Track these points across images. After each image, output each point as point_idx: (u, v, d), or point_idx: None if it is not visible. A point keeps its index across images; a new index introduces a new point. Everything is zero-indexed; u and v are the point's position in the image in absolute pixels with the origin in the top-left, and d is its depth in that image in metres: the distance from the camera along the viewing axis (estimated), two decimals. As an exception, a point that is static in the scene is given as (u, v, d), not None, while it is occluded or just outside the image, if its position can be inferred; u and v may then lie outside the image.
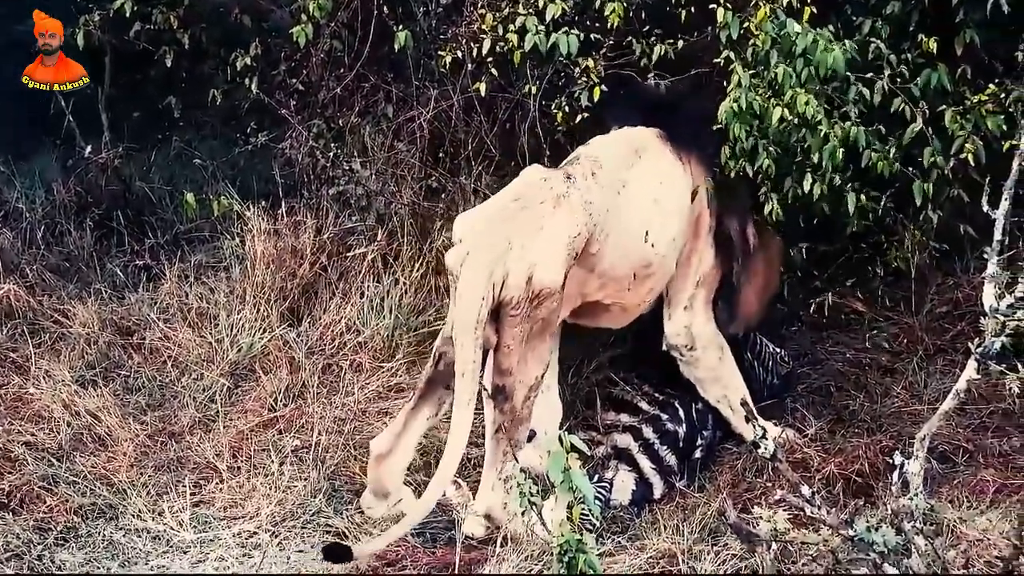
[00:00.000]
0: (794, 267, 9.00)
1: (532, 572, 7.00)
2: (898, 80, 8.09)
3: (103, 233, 10.18)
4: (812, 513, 6.44)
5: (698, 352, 8.24)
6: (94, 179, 10.33)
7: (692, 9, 8.35)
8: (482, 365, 7.28)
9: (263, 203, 9.62)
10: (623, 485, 7.99)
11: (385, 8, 9.22)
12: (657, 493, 8.04)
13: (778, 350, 8.83)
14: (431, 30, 9.22)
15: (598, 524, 7.55)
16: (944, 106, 8.11)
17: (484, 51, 8.55)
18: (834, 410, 8.58)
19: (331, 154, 9.43)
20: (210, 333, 9.03)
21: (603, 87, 8.43)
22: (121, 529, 7.57)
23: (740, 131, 7.87)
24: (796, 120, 7.84)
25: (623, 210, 7.64)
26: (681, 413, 8.27)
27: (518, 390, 7.35)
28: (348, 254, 9.25)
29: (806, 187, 8.04)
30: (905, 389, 8.63)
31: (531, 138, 8.89)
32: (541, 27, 8.34)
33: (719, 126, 7.92)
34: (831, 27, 7.98)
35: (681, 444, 8.20)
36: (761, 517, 6.55)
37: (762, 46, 7.83)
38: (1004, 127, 8.00)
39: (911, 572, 6.19)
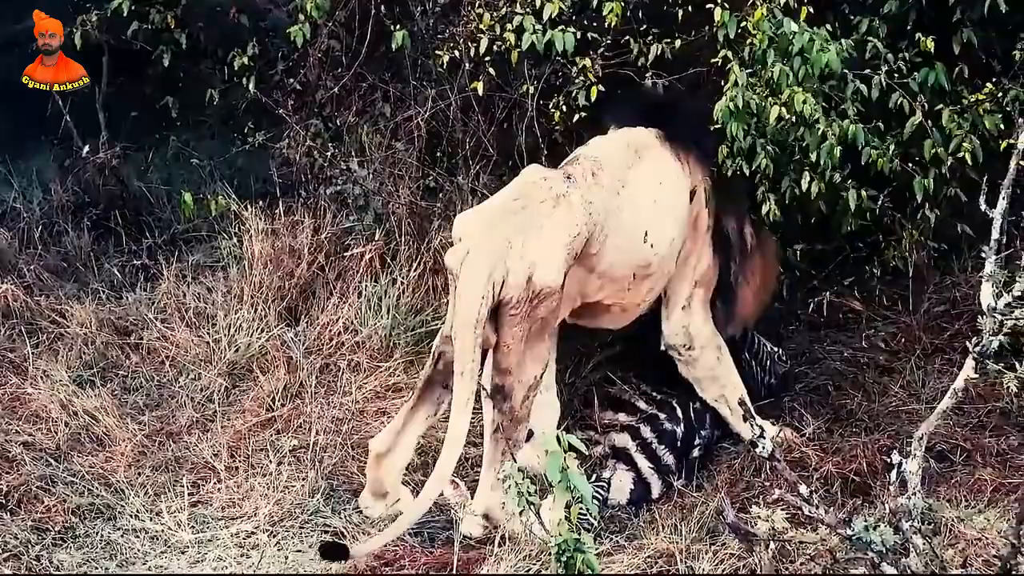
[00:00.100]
0: (792, 267, 9.01)
1: (530, 572, 7.00)
2: (895, 78, 8.10)
3: (101, 233, 10.18)
4: (810, 512, 6.44)
5: (696, 352, 8.24)
6: (92, 179, 10.33)
7: (689, 8, 8.37)
8: (481, 365, 7.29)
9: (261, 203, 9.61)
10: (621, 484, 7.99)
11: (383, 8, 9.22)
12: (655, 492, 8.04)
13: (776, 349, 8.83)
14: (429, 29, 9.21)
15: (596, 523, 7.54)
16: (942, 105, 8.13)
17: (482, 50, 8.55)
18: (832, 409, 8.59)
19: (329, 154, 9.43)
20: (208, 333, 9.03)
21: (601, 87, 8.43)
22: (119, 529, 7.56)
23: (737, 130, 7.88)
24: (794, 119, 7.85)
25: (623, 210, 7.65)
26: (679, 412, 8.28)
27: (517, 390, 7.35)
28: (346, 254, 9.25)
29: (804, 186, 8.06)
30: (903, 388, 8.64)
31: (529, 137, 8.90)
32: (539, 26, 8.34)
33: (716, 126, 7.93)
34: (828, 26, 7.98)
35: (679, 443, 8.20)
36: (759, 516, 6.57)
37: (759, 45, 7.83)
38: (1002, 126, 8.03)
39: (909, 571, 6.19)
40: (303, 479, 7.88)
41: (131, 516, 7.63)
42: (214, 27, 10.12)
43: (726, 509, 6.79)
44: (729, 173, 8.10)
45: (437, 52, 8.88)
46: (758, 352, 8.76)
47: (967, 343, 6.77)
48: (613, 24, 8.35)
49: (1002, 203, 7.14)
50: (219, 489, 7.85)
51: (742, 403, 7.51)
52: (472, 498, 7.54)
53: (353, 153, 9.41)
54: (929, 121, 8.10)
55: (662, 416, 8.24)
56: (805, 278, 9.23)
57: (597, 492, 7.82)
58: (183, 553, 7.39)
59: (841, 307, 9.19)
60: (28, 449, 8.06)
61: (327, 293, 9.16)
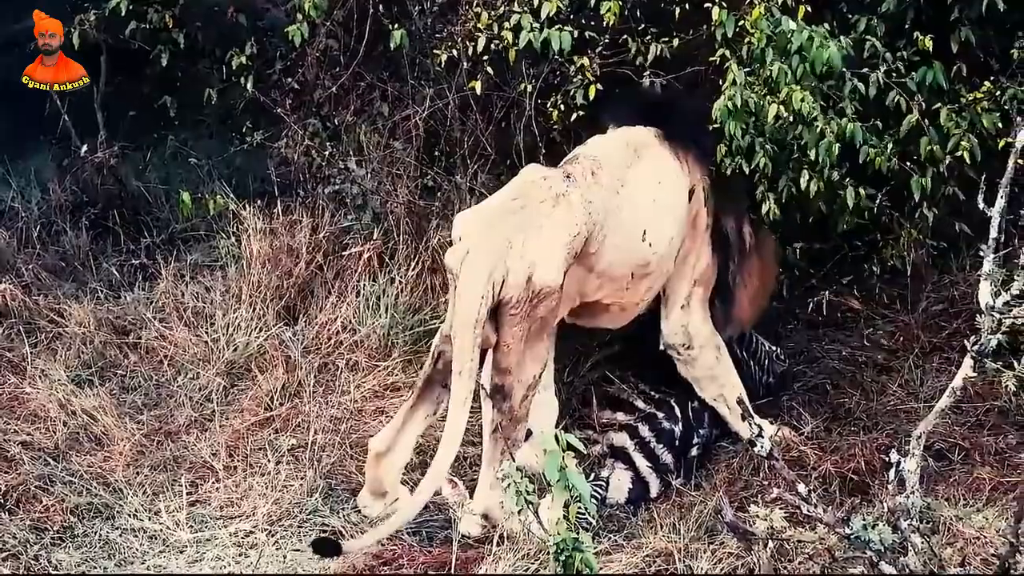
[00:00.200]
0: (791, 265, 9.02)
1: (528, 571, 7.00)
2: (893, 77, 8.10)
3: (99, 232, 10.18)
4: (808, 511, 6.45)
5: (695, 351, 8.24)
6: (90, 178, 10.33)
7: (687, 7, 8.36)
8: (480, 364, 7.29)
9: (259, 202, 9.61)
10: (619, 483, 7.99)
11: (380, 7, 9.23)
12: (653, 491, 8.04)
13: (774, 348, 8.84)
14: (427, 29, 9.21)
15: (594, 523, 7.54)
16: (939, 104, 8.13)
17: (479, 49, 8.55)
18: (830, 408, 8.59)
19: (327, 153, 9.43)
20: (206, 332, 9.03)
21: (599, 85, 8.43)
22: (117, 529, 7.57)
23: (736, 129, 7.88)
24: (792, 117, 7.85)
25: (622, 210, 7.64)
26: (677, 411, 8.28)
27: (516, 389, 7.36)
28: (344, 253, 9.25)
29: (803, 184, 8.06)
30: (901, 387, 8.64)
31: (527, 136, 8.90)
32: (536, 25, 8.34)
33: (715, 125, 7.93)
34: (826, 25, 7.98)
35: (677, 442, 8.21)
36: (758, 515, 6.58)
37: (757, 44, 7.83)
38: (999, 125, 8.04)
39: (907, 570, 6.20)
40: (301, 478, 7.88)
41: (129, 515, 7.63)
42: (212, 26, 10.13)
43: (724, 508, 6.79)
44: (728, 172, 8.10)
45: (435, 51, 8.88)
46: (756, 351, 8.76)
47: (965, 342, 6.79)
48: (611, 23, 8.35)
49: (1000, 202, 7.15)
50: (217, 488, 7.85)
51: (740, 402, 7.51)
52: (471, 497, 7.55)
53: (351, 152, 9.41)
54: (926, 120, 8.10)
55: (660, 415, 8.25)
56: (803, 277, 9.24)
57: (595, 491, 7.82)
58: (181, 552, 7.39)
59: (839, 306, 9.19)
60: (26, 448, 8.06)
61: (325, 292, 9.16)
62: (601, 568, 6.85)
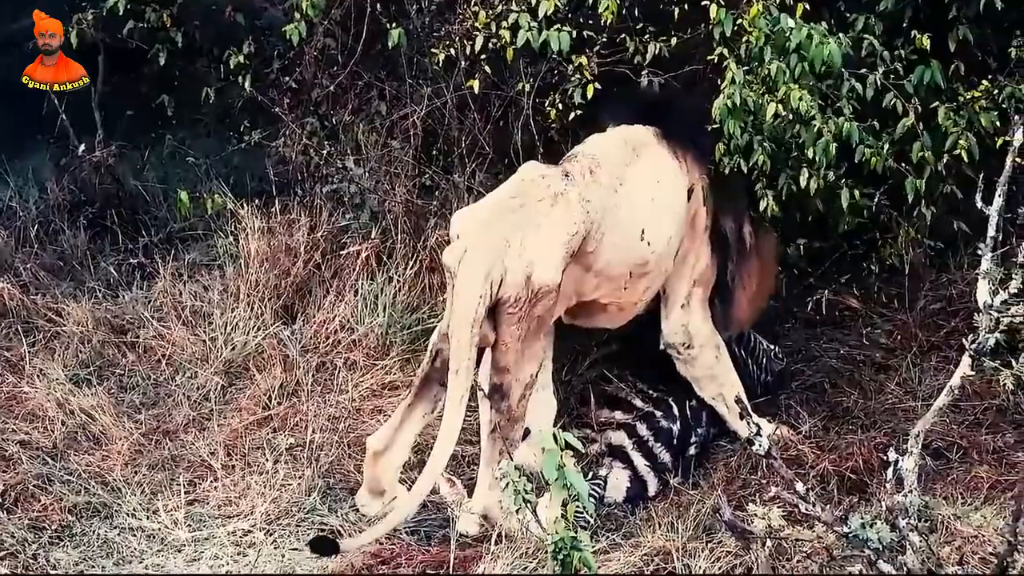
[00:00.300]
0: (789, 264, 9.02)
1: (527, 570, 7.00)
2: (891, 76, 8.10)
3: (97, 232, 10.18)
4: (806, 510, 6.45)
5: (695, 351, 8.24)
6: (88, 178, 10.33)
7: (685, 6, 8.36)
8: (477, 363, 7.29)
9: (257, 201, 9.61)
10: (617, 483, 7.99)
11: (378, 6, 9.23)
12: (651, 490, 8.04)
13: (772, 347, 8.84)
14: (424, 28, 9.22)
15: (593, 522, 7.56)
16: (937, 103, 8.13)
17: (477, 48, 8.55)
18: (828, 407, 8.59)
19: (325, 152, 9.43)
20: (204, 331, 9.02)
21: (597, 84, 8.43)
22: (116, 528, 7.57)
23: (734, 128, 7.88)
24: (790, 116, 7.84)
25: (620, 208, 7.64)
26: (675, 410, 8.28)
27: (514, 388, 7.36)
28: (342, 252, 9.24)
29: (802, 182, 8.06)
30: (899, 386, 8.64)
31: (525, 135, 8.90)
32: (534, 24, 8.33)
33: (715, 125, 7.93)
34: (824, 23, 7.97)
35: (675, 441, 8.20)
36: (756, 514, 6.58)
37: (756, 42, 7.83)
38: (997, 123, 8.03)
39: (906, 569, 6.20)
40: (299, 477, 7.88)
41: (128, 515, 7.63)
42: (210, 26, 10.12)
43: (723, 507, 6.79)
44: (726, 171, 8.10)
45: (433, 50, 8.87)
46: (754, 349, 8.76)
47: (963, 340, 6.79)
48: (609, 22, 8.35)
49: (998, 200, 7.16)
50: (215, 487, 7.85)
51: (739, 401, 7.52)
52: (469, 496, 7.55)
53: (349, 151, 9.41)
54: (920, 124, 8.10)
55: (658, 414, 8.24)
56: (802, 276, 9.24)
57: (594, 490, 7.82)
58: (180, 552, 7.39)
59: (838, 305, 9.19)
60: (24, 448, 8.06)
61: (323, 291, 9.16)
62: (599, 567, 6.85)
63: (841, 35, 7.98)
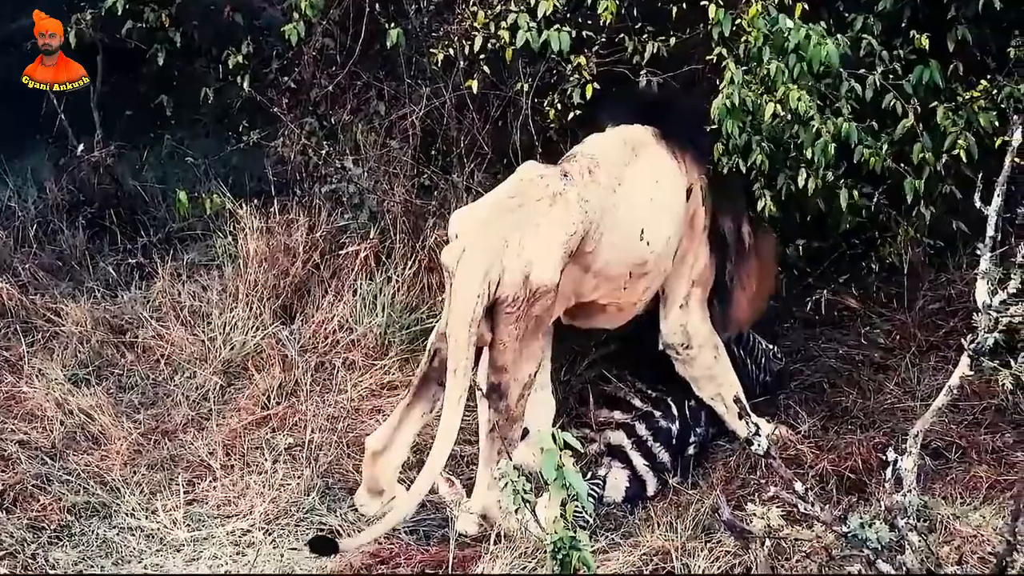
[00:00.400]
0: (788, 264, 9.02)
1: (526, 570, 7.00)
2: (890, 76, 8.11)
3: (95, 232, 10.18)
4: (805, 510, 6.45)
5: (694, 351, 8.24)
6: (86, 178, 10.33)
7: (684, 6, 8.37)
8: (475, 363, 7.29)
9: (255, 201, 9.61)
10: (616, 482, 7.99)
11: (377, 6, 9.23)
12: (650, 490, 8.04)
13: (771, 347, 8.84)
14: (423, 28, 9.22)
15: (592, 521, 7.56)
16: (936, 102, 8.14)
17: (476, 48, 8.55)
18: (827, 407, 8.59)
19: (323, 152, 9.43)
20: (203, 331, 9.02)
21: (595, 84, 8.43)
22: (114, 528, 7.56)
23: (733, 127, 7.88)
24: (789, 116, 7.84)
25: (619, 208, 7.64)
26: (674, 410, 8.28)
27: (512, 388, 7.36)
28: (341, 252, 9.25)
29: (800, 182, 8.06)
30: (898, 385, 8.64)
31: (523, 135, 8.90)
32: (533, 24, 8.34)
33: (713, 125, 7.93)
34: (823, 23, 7.98)
35: (674, 441, 8.20)
36: (755, 514, 6.57)
37: (754, 42, 7.83)
38: (996, 123, 8.04)
39: (905, 568, 6.20)
40: (298, 477, 7.88)
41: (127, 514, 7.63)
42: (208, 26, 10.11)
43: (722, 507, 6.78)
44: (725, 170, 8.10)
45: (432, 50, 8.88)
46: (753, 349, 8.77)
47: (962, 340, 6.78)
48: (608, 22, 8.35)
49: (997, 200, 7.16)
50: (214, 487, 7.85)
51: (738, 401, 7.52)
52: (468, 496, 7.55)
53: (348, 151, 9.41)
54: (920, 124, 8.11)
55: (657, 414, 8.24)
56: (801, 276, 9.25)
57: (593, 490, 7.82)
58: (178, 551, 7.39)
59: (837, 304, 9.20)
60: (23, 448, 8.05)
61: (322, 291, 9.16)
62: (598, 567, 6.85)
63: (839, 36, 7.98)
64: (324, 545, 7.04)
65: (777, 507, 6.67)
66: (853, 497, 7.58)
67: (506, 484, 6.01)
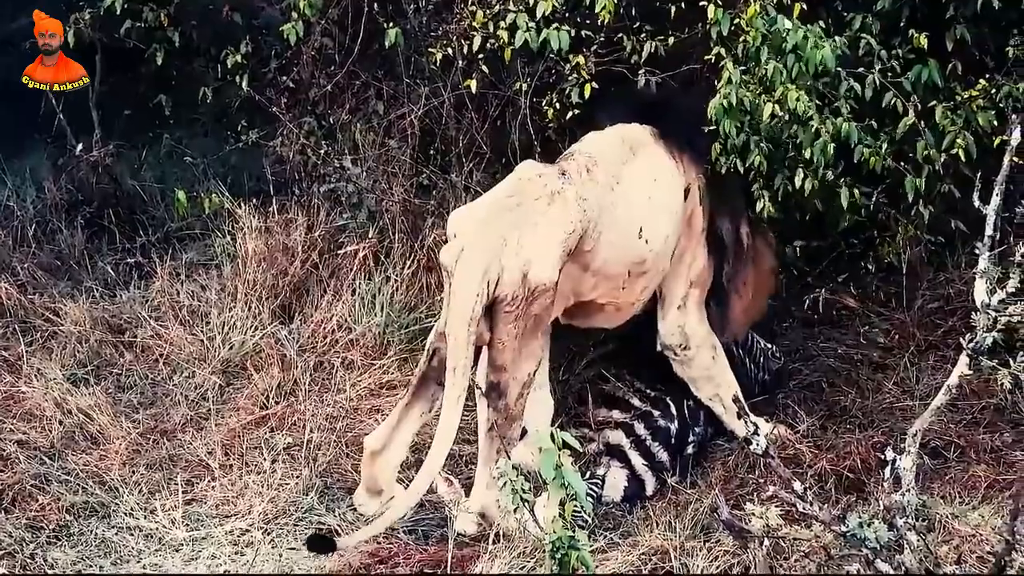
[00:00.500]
0: (787, 264, 9.02)
1: (524, 570, 6.99)
2: (889, 75, 8.11)
3: (94, 231, 10.18)
4: (804, 509, 6.45)
5: (692, 352, 8.24)
6: (85, 177, 10.32)
7: (683, 5, 8.37)
8: (474, 362, 7.29)
9: (254, 201, 9.61)
10: (615, 482, 7.99)
11: (375, 5, 9.23)
12: (649, 489, 8.04)
13: (769, 346, 8.85)
14: (422, 27, 9.22)
15: (590, 521, 7.56)
16: (935, 102, 8.14)
17: (475, 48, 8.55)
18: (826, 406, 8.59)
19: (322, 151, 9.43)
20: (202, 331, 9.02)
21: (594, 84, 8.43)
22: (113, 527, 7.56)
23: (730, 127, 7.88)
24: (787, 116, 7.84)
25: (617, 207, 7.64)
26: (673, 409, 8.28)
27: (512, 386, 7.36)
28: (339, 251, 9.24)
29: (798, 182, 8.06)
30: (897, 385, 8.65)
31: (522, 135, 8.90)
32: (532, 24, 8.34)
33: (712, 126, 7.93)
34: (821, 23, 7.98)
35: (673, 440, 8.20)
36: (753, 513, 6.57)
37: (753, 42, 7.83)
38: (995, 123, 8.04)
39: (903, 568, 6.20)
40: (297, 477, 7.87)
41: (125, 514, 7.63)
42: (207, 25, 10.11)
43: (720, 506, 6.79)
44: (723, 170, 8.10)
45: (430, 50, 8.88)
46: (751, 349, 8.77)
47: (961, 339, 6.80)
48: (606, 21, 8.35)
49: (995, 199, 7.16)
50: (213, 487, 7.85)
51: (736, 400, 7.52)
52: (467, 495, 7.55)
53: (346, 151, 9.40)
54: (922, 122, 8.10)
55: (656, 413, 8.24)
56: (800, 275, 9.25)
57: (591, 489, 7.82)
58: (177, 551, 7.39)
59: (835, 304, 9.19)
60: (22, 447, 8.05)
61: (321, 291, 9.16)
62: (597, 566, 6.85)
63: (837, 37, 7.98)
64: (322, 543, 7.04)
65: (776, 506, 6.67)
66: (852, 496, 7.58)
67: (505, 483, 6.02)
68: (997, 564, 6.10)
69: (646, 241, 7.72)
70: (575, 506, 5.94)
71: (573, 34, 8.40)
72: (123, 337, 9.13)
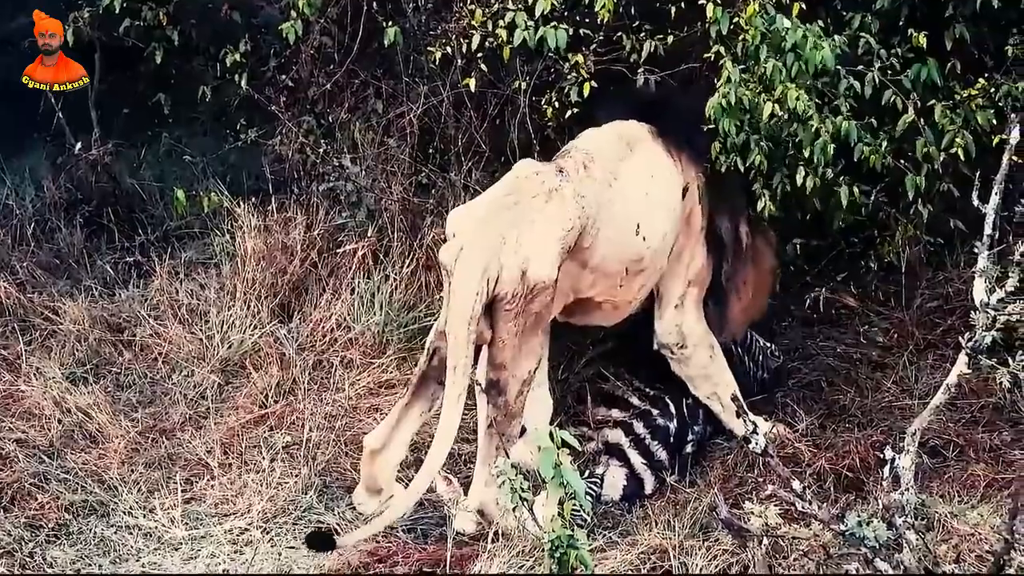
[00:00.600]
0: (786, 262, 9.02)
1: (523, 568, 6.99)
2: (888, 73, 8.11)
3: (93, 230, 10.17)
4: (803, 508, 6.45)
5: (689, 350, 8.24)
6: (84, 176, 10.32)
7: (682, 4, 8.36)
8: (474, 361, 7.29)
9: (253, 199, 9.61)
10: (614, 480, 7.99)
11: (374, 4, 9.23)
12: (648, 488, 8.04)
13: (768, 344, 8.85)
14: (421, 26, 9.22)
15: (589, 520, 7.57)
16: (934, 101, 8.14)
17: (474, 47, 8.55)
18: (825, 405, 8.60)
19: (321, 150, 9.43)
20: (201, 330, 9.02)
21: (593, 83, 8.43)
22: (112, 526, 7.56)
23: (730, 126, 7.88)
24: (787, 115, 7.84)
25: (614, 203, 7.63)
26: (672, 408, 8.28)
27: (511, 384, 7.36)
28: (338, 250, 9.24)
29: (799, 180, 8.06)
30: (896, 384, 8.65)
31: (521, 133, 8.89)
32: (531, 22, 8.34)
33: (710, 125, 7.93)
34: (820, 22, 7.97)
35: (672, 439, 8.20)
36: (752, 512, 6.57)
37: (752, 41, 7.83)
38: (994, 122, 8.04)
39: (902, 567, 6.20)
40: (296, 476, 7.87)
41: (124, 513, 7.63)
42: (206, 24, 10.10)
43: (719, 505, 6.79)
44: (722, 169, 8.10)
45: (429, 48, 8.87)
46: (750, 347, 8.77)
47: (960, 338, 6.79)
48: (605, 20, 8.34)
49: (994, 199, 7.16)
50: (212, 486, 7.85)
51: (735, 399, 7.52)
52: (465, 494, 7.55)
53: (345, 150, 9.40)
54: (922, 120, 8.10)
55: (655, 412, 8.24)
56: (799, 274, 9.24)
57: (590, 488, 7.82)
58: (176, 550, 7.39)
59: (834, 303, 9.19)
60: (21, 446, 8.05)
61: (320, 290, 9.16)
62: (596, 565, 6.85)
63: (836, 36, 7.98)
64: (322, 541, 7.03)
65: (775, 505, 6.67)
66: (851, 495, 7.59)
67: (504, 482, 6.01)
68: (996, 563, 6.10)
69: (643, 238, 7.72)
70: (574, 505, 5.94)
71: (572, 33, 8.39)
72: (122, 336, 9.13)
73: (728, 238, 8.35)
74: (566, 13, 8.53)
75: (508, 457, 6.62)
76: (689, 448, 8.28)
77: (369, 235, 9.17)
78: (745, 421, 6.75)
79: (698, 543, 7.19)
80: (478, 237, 7.26)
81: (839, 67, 7.99)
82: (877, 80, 8.07)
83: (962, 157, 8.03)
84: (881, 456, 6.89)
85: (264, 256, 9.25)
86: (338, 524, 7.56)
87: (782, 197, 8.27)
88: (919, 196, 8.30)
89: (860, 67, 8.10)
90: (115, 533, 7.50)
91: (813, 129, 7.87)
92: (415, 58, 9.38)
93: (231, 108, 10.09)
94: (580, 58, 8.45)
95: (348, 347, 8.84)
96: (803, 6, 7.90)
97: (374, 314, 8.90)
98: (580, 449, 7.48)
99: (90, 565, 7.26)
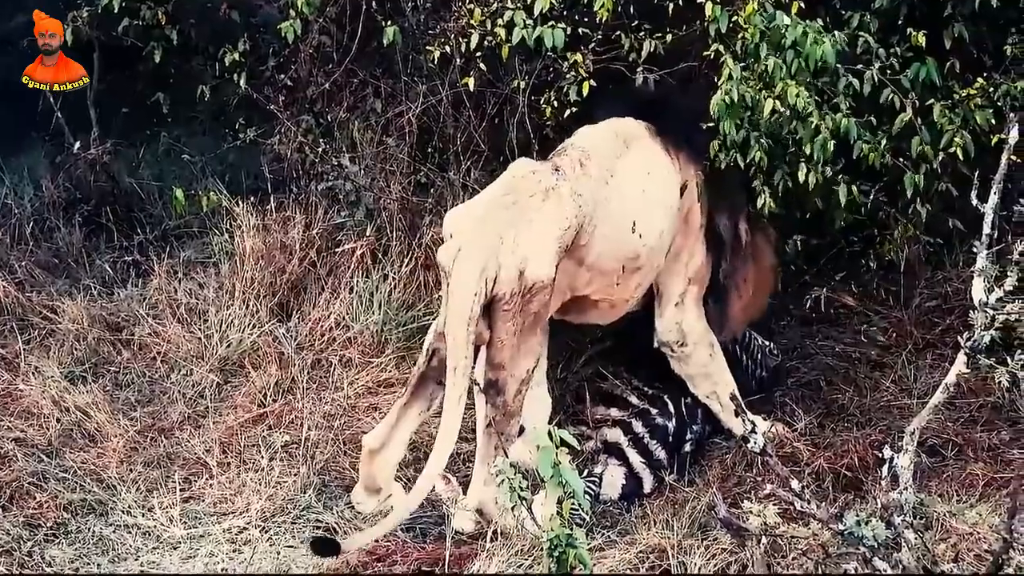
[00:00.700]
0: (786, 261, 9.02)
1: (522, 567, 6.99)
2: (888, 72, 8.11)
3: (92, 229, 10.17)
4: (802, 507, 6.44)
5: (689, 349, 8.23)
6: (83, 175, 10.32)
7: (680, 3, 8.35)
8: (473, 360, 7.28)
9: (252, 199, 9.61)
10: (613, 480, 7.99)
11: (373, 3, 9.23)
12: (647, 487, 8.04)
13: (767, 343, 8.85)
14: (419, 25, 9.22)
15: (588, 519, 7.56)
16: (933, 100, 8.14)
17: (472, 46, 8.55)
18: (823, 404, 8.60)
19: (320, 149, 9.43)
20: (199, 329, 9.02)
21: (592, 82, 8.43)
22: (111, 525, 7.56)
23: (730, 126, 7.87)
24: (787, 112, 7.84)
25: (611, 201, 7.63)
26: (671, 407, 8.28)
27: (510, 384, 7.35)
28: (337, 249, 9.24)
29: (800, 177, 8.05)
30: (895, 383, 8.65)
31: (520, 133, 8.89)
32: (530, 21, 8.34)
33: (711, 123, 7.93)
34: (819, 20, 7.97)
35: (671, 438, 8.20)
36: (751, 511, 6.56)
37: (751, 39, 7.82)
38: (993, 121, 8.04)
39: (901, 566, 6.19)
40: (295, 475, 7.87)
41: (123, 512, 7.62)
42: (205, 23, 10.11)
43: (718, 504, 6.79)
44: (722, 166, 8.10)
45: (428, 48, 8.88)
46: (749, 346, 8.77)
47: (959, 338, 6.78)
48: (604, 19, 8.34)
49: (993, 198, 7.15)
50: (211, 485, 7.85)
51: (734, 398, 7.52)
52: (464, 493, 7.55)
53: (344, 149, 9.41)
54: (919, 119, 8.10)
55: (654, 411, 8.24)
56: (798, 273, 9.25)
57: (589, 487, 7.81)
58: (175, 549, 7.39)
59: (833, 302, 9.19)
60: (20, 445, 8.05)
61: (318, 289, 9.16)
62: (594, 564, 6.84)
63: (836, 33, 7.98)
64: (326, 546, 7.02)
65: (773, 505, 6.65)
66: (849, 495, 7.59)
67: (502, 481, 6.01)
68: (994, 562, 6.10)
69: (640, 235, 7.71)
70: (572, 504, 5.95)
71: (570, 32, 8.39)
72: (121, 335, 9.13)
73: (728, 236, 8.35)
74: (565, 12, 8.53)
75: (507, 456, 6.63)
76: (688, 447, 8.28)
77: (368, 234, 9.17)
78: (744, 420, 6.74)
79: (697, 542, 7.18)
80: (476, 237, 7.26)
81: (838, 65, 7.98)
82: (876, 79, 8.07)
83: (961, 156, 8.03)
84: (880, 455, 6.89)
85: (263, 255, 9.25)
86: (337, 523, 7.56)
87: (783, 194, 8.27)
88: (918, 195, 8.30)
89: (859, 66, 8.10)
90: (114, 532, 7.50)
91: (813, 126, 7.87)
92: (414, 57, 9.38)
93: (230, 107, 10.09)
94: (579, 57, 8.45)
95: (347, 346, 8.84)
96: (802, 5, 7.90)
97: (373, 313, 8.90)
98: (579, 448, 7.47)
99: (89, 564, 7.26)
